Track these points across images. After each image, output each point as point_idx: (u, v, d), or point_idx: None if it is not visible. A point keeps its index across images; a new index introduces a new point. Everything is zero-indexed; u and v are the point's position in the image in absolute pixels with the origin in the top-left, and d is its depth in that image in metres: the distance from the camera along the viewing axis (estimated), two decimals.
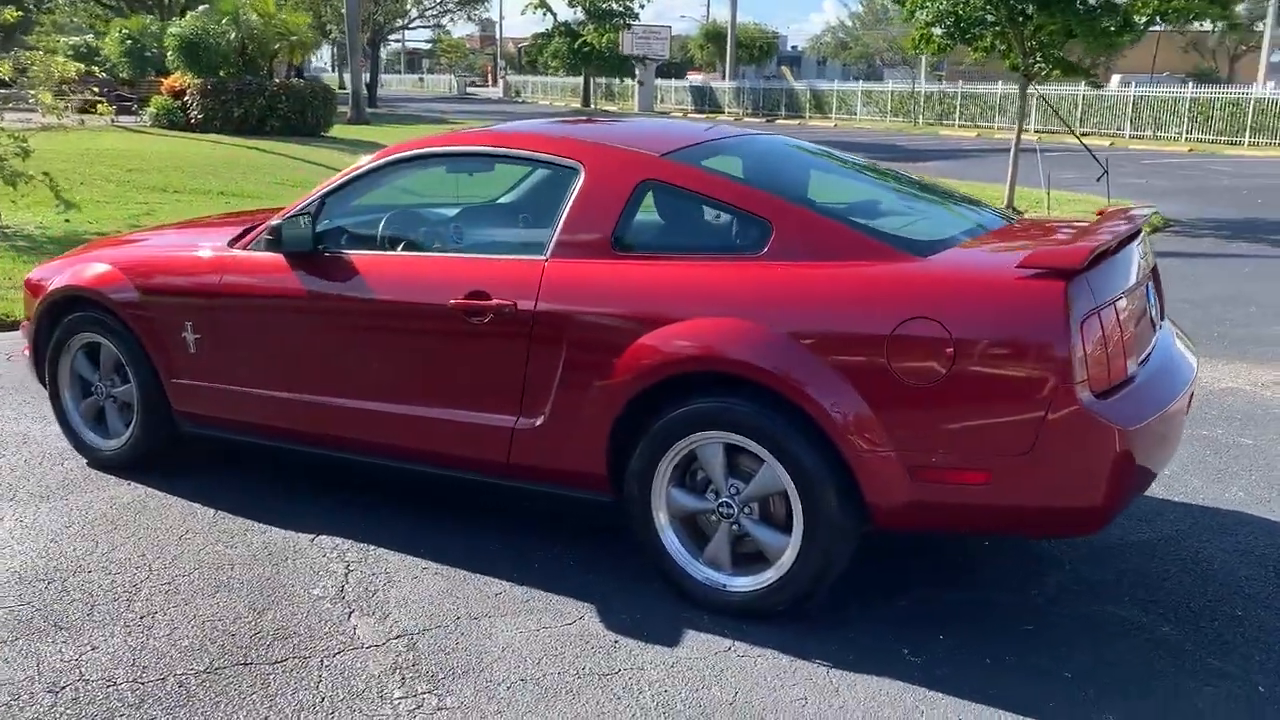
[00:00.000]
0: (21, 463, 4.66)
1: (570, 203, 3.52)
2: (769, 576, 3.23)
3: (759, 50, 61.57)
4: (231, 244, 4.23)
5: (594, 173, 3.51)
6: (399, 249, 3.90)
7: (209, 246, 4.30)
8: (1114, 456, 2.86)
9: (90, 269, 4.46)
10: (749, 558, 3.32)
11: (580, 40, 27.09)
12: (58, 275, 4.58)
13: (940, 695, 2.92)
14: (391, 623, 3.32)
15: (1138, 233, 3.36)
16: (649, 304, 3.30)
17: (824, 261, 3.15)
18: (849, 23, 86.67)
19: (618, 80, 38.53)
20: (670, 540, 3.39)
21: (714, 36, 62.26)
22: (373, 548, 3.83)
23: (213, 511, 4.14)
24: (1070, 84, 30.75)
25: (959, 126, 37.02)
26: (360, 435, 3.89)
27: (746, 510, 3.25)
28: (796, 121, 43.04)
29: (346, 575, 3.63)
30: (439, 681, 2.99)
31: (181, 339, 4.19)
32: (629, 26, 29.08)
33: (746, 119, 45.93)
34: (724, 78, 51.31)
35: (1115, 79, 43.00)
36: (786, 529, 3.21)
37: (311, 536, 3.93)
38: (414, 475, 3.99)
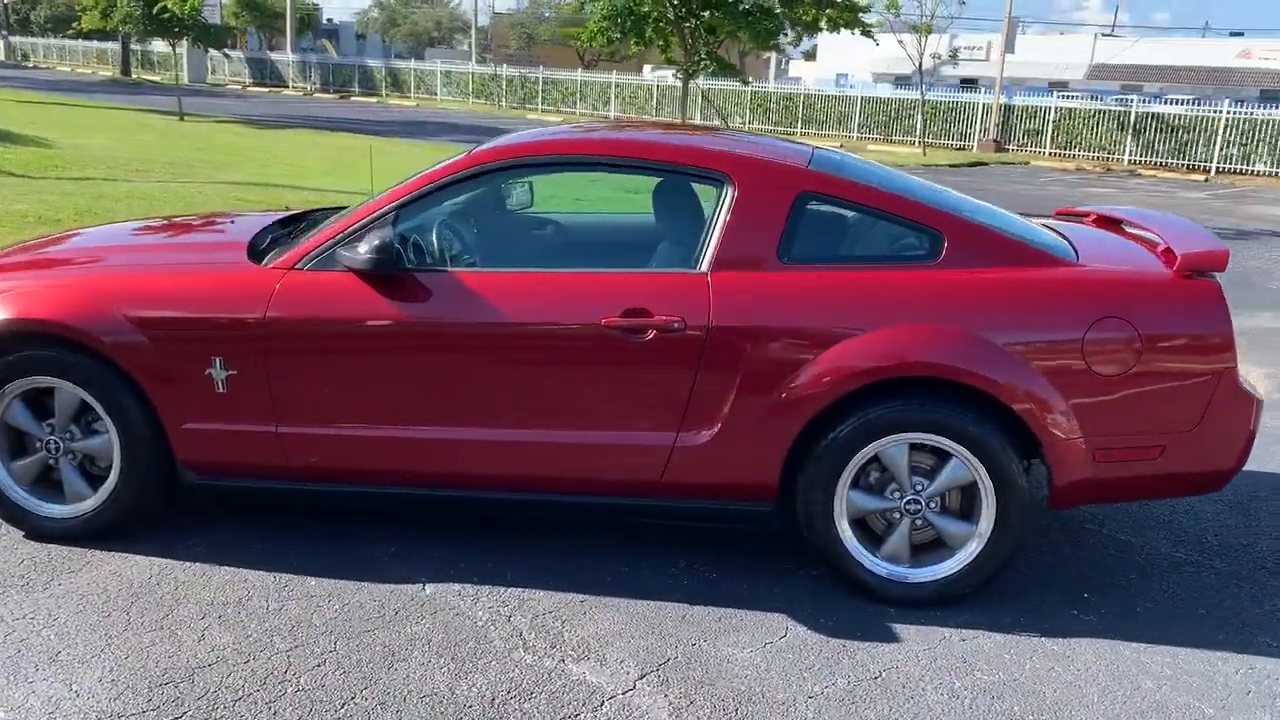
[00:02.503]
0: None
1: (725, 214, 3.48)
2: (959, 562, 3.47)
3: (299, 22, 59.17)
4: (259, 259, 3.65)
5: (747, 185, 3.50)
6: (510, 265, 3.58)
7: (231, 265, 3.67)
8: (1252, 424, 3.45)
9: (38, 298, 3.60)
10: (921, 549, 3.54)
11: (159, 6, 24.46)
12: None
13: (1146, 645, 3.35)
14: (616, 663, 3.14)
15: None
16: (835, 313, 3.39)
17: (998, 268, 3.43)
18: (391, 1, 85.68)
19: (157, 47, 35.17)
20: (850, 541, 3.51)
21: (250, 5, 58.71)
22: (503, 589, 3.54)
23: (270, 575, 3.57)
24: (644, 77, 32.91)
25: (543, 110, 38.25)
26: (477, 468, 3.56)
27: (931, 505, 3.47)
28: (374, 99, 42.12)
29: (509, 621, 3.35)
30: (743, 715, 2.92)
31: (205, 377, 3.54)
32: None
33: (318, 95, 44.13)
34: (287, 50, 48.76)
35: (646, 69, 46.70)
36: (967, 518, 3.47)
37: (418, 586, 3.54)
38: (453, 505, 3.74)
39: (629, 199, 4.04)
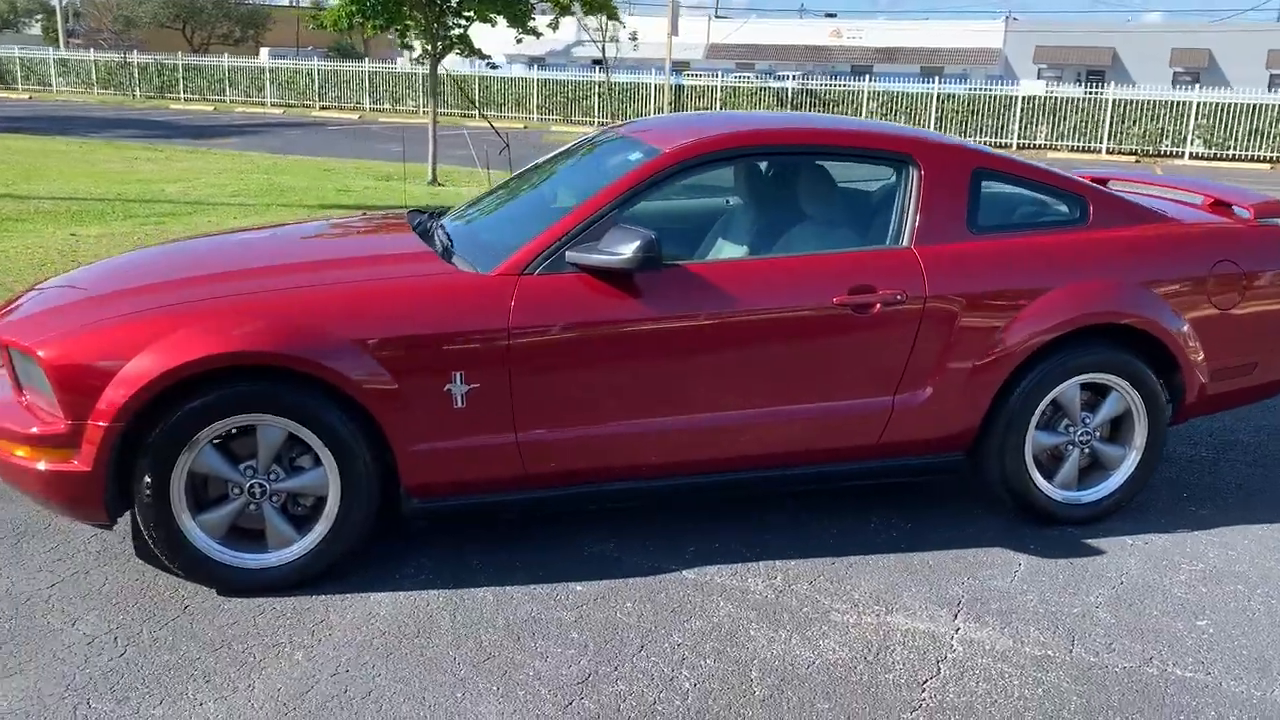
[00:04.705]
0: (151, 622, 3.23)
1: (917, 193, 3.80)
2: (1118, 480, 4.05)
3: None
4: (455, 262, 3.57)
5: (933, 164, 3.84)
6: (729, 254, 3.69)
7: (448, 274, 3.53)
8: None
9: (234, 327, 3.25)
10: (1083, 472, 4.09)
11: None
12: (120, 351, 3.18)
13: (1268, 525, 4.10)
14: (923, 610, 3.41)
15: None
16: (1025, 275, 3.83)
17: (1133, 226, 4.02)
18: None
19: None
20: (1036, 476, 3.98)
21: None
22: (755, 564, 3.69)
23: (530, 588, 3.48)
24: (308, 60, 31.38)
25: (186, 100, 35.46)
26: (717, 451, 3.66)
27: (1096, 434, 4.02)
28: None
29: (793, 589, 3.52)
30: (1068, 630, 3.30)
31: (443, 394, 3.38)
32: None
33: None
34: None
35: (264, 52, 44.68)
36: (1119, 442, 4.06)
37: (677, 573, 3.61)
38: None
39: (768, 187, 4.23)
